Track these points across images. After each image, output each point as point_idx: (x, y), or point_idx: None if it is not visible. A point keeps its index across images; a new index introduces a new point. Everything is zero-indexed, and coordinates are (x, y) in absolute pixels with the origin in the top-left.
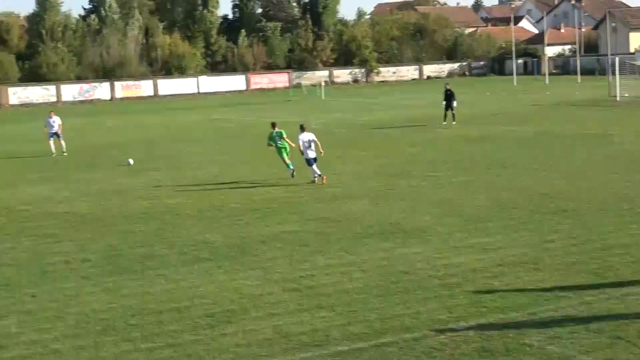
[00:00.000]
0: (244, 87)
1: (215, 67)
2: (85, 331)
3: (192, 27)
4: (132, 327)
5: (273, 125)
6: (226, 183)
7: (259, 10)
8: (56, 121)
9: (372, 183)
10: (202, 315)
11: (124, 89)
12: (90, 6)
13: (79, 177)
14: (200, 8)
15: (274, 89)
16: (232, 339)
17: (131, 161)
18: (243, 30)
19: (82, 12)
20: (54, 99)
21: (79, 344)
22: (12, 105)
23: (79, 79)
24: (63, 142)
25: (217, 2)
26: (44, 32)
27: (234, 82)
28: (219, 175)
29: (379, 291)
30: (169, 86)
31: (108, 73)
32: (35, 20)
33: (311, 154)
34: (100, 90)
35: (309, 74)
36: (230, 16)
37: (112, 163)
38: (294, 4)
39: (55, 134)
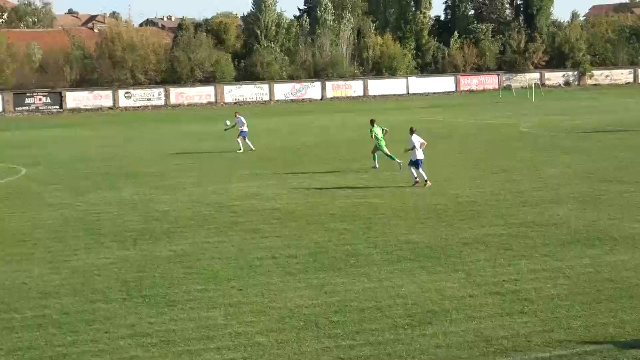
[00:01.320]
0: (453, 89)
1: (425, 68)
2: (289, 326)
3: (403, 28)
4: (334, 324)
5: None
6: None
7: (471, 12)
8: (243, 121)
9: (580, 188)
10: (403, 315)
11: (335, 88)
12: (305, 7)
13: (287, 174)
14: (413, 9)
15: (483, 91)
16: (432, 340)
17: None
18: (456, 32)
19: (297, 13)
20: (267, 97)
21: (282, 339)
22: (227, 103)
23: (291, 78)
24: (239, 141)
25: (430, 3)
26: (258, 31)
27: (443, 83)
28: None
29: (584, 298)
30: (379, 86)
31: (319, 73)
32: (250, 20)
33: (420, 156)
34: (312, 90)
35: (519, 75)
36: (442, 17)
37: (320, 162)
38: (507, 6)
39: (242, 132)
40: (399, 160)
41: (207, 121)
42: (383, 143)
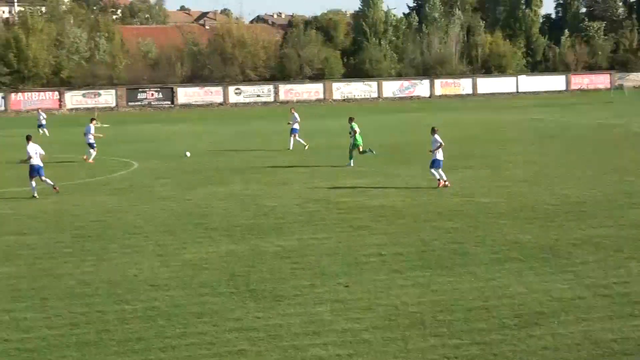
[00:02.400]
0: (563, 87)
1: (535, 66)
2: (395, 324)
3: (513, 25)
4: (440, 323)
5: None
6: (539, 184)
7: (583, 10)
8: (297, 118)
9: None
10: (510, 315)
11: (444, 86)
12: (414, 4)
13: (395, 172)
14: (523, 7)
15: (594, 90)
16: (540, 341)
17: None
18: (566, 30)
19: (406, 10)
20: (375, 94)
21: (388, 336)
22: (335, 100)
23: (400, 75)
24: (292, 139)
25: (541, 0)
26: (367, 29)
27: (553, 82)
28: (534, 176)
29: None
30: (488, 85)
31: (428, 70)
32: (359, 17)
33: (439, 156)
34: (420, 88)
35: (632, 75)
36: (553, 15)
37: (428, 160)
38: (620, 4)
39: (293, 129)
40: (374, 152)
41: (316, 118)
42: (360, 141)
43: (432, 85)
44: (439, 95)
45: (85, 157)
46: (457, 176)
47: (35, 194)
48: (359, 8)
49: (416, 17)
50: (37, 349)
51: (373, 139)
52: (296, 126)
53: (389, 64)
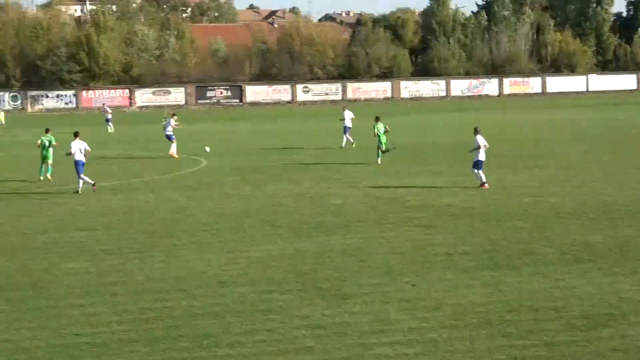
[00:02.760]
0: (634, 87)
1: (606, 65)
2: (462, 323)
3: (583, 24)
4: (508, 323)
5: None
6: (610, 184)
7: None
8: (349, 115)
9: None
10: (578, 316)
11: (512, 85)
12: (483, 2)
13: (463, 171)
14: (594, 5)
15: None
16: (609, 343)
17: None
18: (639, 29)
19: (475, 9)
20: (443, 93)
21: (455, 335)
22: (403, 99)
23: (468, 74)
24: (347, 137)
25: None
26: (436, 27)
27: (624, 81)
28: (604, 176)
29: None
30: (558, 84)
31: (497, 69)
32: (428, 15)
33: (482, 157)
34: (489, 86)
35: None
36: (624, 14)
37: (497, 158)
38: None
39: (345, 127)
40: (392, 147)
41: (383, 117)
42: (384, 139)
43: (500, 84)
44: (508, 94)
45: (170, 152)
46: (526, 176)
47: (94, 186)
48: (428, 6)
49: (485, 16)
50: (106, 343)
51: (441, 137)
52: (347, 123)
53: (457, 63)
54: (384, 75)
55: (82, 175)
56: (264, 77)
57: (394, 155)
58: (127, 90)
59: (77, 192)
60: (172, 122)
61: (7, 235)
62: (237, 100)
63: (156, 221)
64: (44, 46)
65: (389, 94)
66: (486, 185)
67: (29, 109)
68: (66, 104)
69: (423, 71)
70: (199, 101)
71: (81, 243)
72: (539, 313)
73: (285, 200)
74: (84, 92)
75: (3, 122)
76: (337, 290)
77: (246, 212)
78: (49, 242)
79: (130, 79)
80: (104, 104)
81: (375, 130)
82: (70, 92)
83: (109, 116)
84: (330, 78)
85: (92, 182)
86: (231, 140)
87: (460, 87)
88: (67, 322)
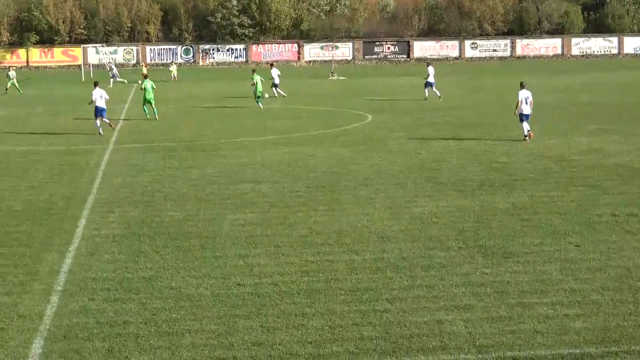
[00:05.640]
0: None
1: None
2: (626, 285)
3: None
4: None
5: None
6: None
7: None
8: (431, 72)
9: None
10: None
11: None
12: None
13: (632, 131)
14: None
15: None
16: None
17: (266, 95)
18: None
19: None
20: (615, 51)
21: (618, 298)
22: (574, 56)
23: None
24: (427, 91)
25: None
26: None
27: None
28: None
29: None
30: None
31: None
32: None
33: (526, 110)
34: None
35: None
36: None
37: None
38: None
39: (429, 84)
40: (266, 95)
41: (553, 74)
42: (260, 88)
43: None
44: None
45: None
46: None
47: (101, 131)
48: None
49: None
50: (268, 294)
51: (612, 96)
52: (430, 79)
53: (631, 19)
54: (554, 32)
55: (105, 119)
56: (432, 32)
57: (563, 114)
58: (295, 45)
59: (99, 134)
60: (275, 72)
61: (178, 186)
62: (405, 56)
63: (320, 175)
64: (215, 0)
65: (559, 51)
66: (530, 136)
67: (200, 62)
68: (236, 57)
69: (596, 28)
70: (366, 56)
71: (247, 195)
72: None
73: (449, 157)
74: (253, 47)
75: (176, 75)
76: (499, 249)
77: (409, 168)
78: (215, 193)
79: (299, 34)
80: (109, 62)
81: (254, 81)
82: (241, 46)
83: (115, 71)
84: (499, 34)
85: (109, 121)
86: (398, 95)
87: (633, 44)
88: (230, 272)
